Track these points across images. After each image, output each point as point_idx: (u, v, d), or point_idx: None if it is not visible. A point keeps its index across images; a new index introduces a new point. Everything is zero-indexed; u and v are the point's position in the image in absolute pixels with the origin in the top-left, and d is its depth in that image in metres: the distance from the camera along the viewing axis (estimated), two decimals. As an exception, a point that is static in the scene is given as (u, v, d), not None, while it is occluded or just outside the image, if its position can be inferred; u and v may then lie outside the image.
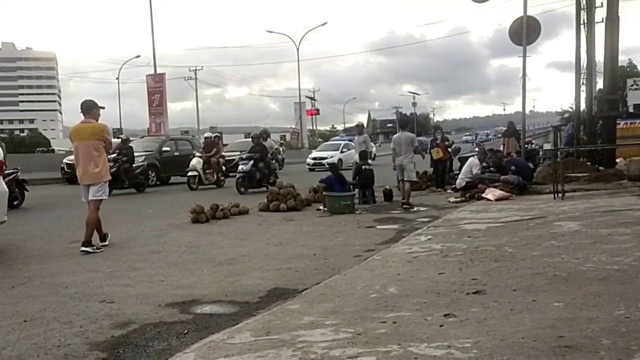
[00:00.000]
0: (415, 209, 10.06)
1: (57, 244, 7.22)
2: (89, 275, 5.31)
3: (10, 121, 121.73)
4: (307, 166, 28.41)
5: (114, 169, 13.52)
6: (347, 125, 78.93)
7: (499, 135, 36.17)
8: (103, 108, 7.10)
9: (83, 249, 6.45)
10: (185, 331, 3.58)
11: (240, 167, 14.12)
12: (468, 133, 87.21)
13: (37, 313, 4.00)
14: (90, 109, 6.84)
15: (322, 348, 2.85)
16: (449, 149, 14.72)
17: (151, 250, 6.58)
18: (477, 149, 14.67)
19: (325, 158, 27.29)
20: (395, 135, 11.11)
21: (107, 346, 3.32)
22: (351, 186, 11.20)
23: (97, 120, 6.89)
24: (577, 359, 2.45)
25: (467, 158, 13.72)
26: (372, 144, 34.69)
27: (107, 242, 6.91)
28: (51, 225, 9.10)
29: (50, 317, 3.91)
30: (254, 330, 3.30)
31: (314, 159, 28.83)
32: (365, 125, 25.77)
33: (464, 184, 11.24)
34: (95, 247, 6.57)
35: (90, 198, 6.73)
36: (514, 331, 2.89)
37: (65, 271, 5.51)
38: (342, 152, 28.74)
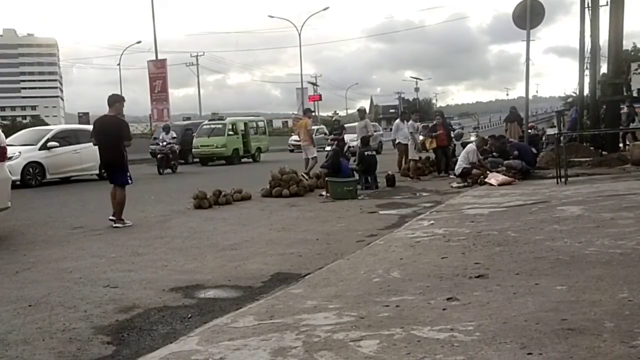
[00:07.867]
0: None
1: (61, 229, 7.25)
2: (92, 260, 5.34)
3: (12, 108, 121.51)
4: None
5: None
6: (350, 112, 77.89)
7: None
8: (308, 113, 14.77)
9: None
10: (189, 315, 3.60)
11: None
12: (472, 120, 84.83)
13: (41, 298, 4.03)
14: (305, 113, 14.37)
15: (325, 331, 2.86)
16: (452, 134, 14.64)
17: (154, 236, 6.61)
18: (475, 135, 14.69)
19: None
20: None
21: (111, 330, 3.34)
22: (354, 172, 11.18)
23: (309, 118, 13.69)
24: (580, 341, 2.46)
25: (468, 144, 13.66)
26: (379, 128, 33.28)
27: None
28: (55, 211, 9.14)
29: (54, 301, 3.93)
30: (257, 314, 3.31)
31: None
32: (367, 111, 23.83)
33: (460, 170, 11.19)
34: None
35: (311, 157, 13.06)
36: (516, 314, 2.90)
37: (69, 256, 5.53)
38: (45, 148, 14.36)
